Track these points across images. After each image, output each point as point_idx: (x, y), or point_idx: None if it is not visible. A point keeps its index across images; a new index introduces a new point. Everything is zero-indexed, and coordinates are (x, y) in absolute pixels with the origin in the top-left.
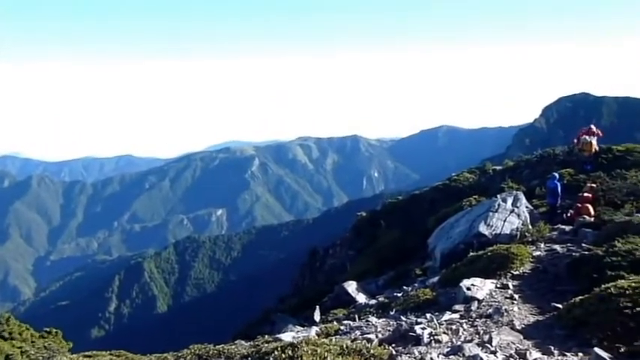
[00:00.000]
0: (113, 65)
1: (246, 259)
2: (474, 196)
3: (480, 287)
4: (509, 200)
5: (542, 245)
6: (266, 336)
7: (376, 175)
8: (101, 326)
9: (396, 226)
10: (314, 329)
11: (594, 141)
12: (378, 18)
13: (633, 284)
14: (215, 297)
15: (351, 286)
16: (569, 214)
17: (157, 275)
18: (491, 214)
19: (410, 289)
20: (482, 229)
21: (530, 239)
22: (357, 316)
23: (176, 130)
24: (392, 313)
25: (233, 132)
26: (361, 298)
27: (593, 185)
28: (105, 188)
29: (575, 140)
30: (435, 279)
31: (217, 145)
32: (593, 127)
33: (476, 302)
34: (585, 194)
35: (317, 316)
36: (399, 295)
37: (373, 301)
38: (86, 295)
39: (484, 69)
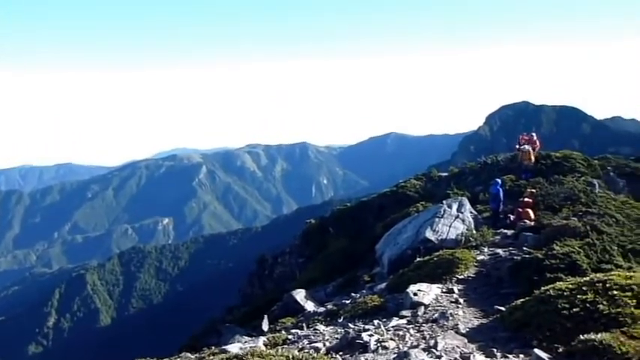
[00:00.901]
0: (52, 72)
1: (193, 269)
2: (421, 203)
3: (427, 292)
4: (455, 206)
5: (485, 249)
6: (212, 347)
7: (325, 182)
8: (39, 342)
9: (345, 233)
10: (262, 339)
11: (533, 150)
12: (325, 25)
13: (570, 286)
14: (162, 308)
15: (299, 294)
16: (510, 219)
17: (100, 287)
18: (437, 219)
19: (358, 295)
20: (429, 234)
21: (474, 244)
22: (305, 325)
23: (120, 137)
24: (340, 320)
25: (180, 139)
26: (310, 306)
27: (533, 191)
28: (44, 198)
29: (517, 146)
30: (383, 285)
31: (164, 152)
32: (534, 135)
33: (422, 307)
34: (526, 199)
35: (265, 326)
36: (348, 302)
37: (322, 309)
38: (23, 309)
39: (431, 77)
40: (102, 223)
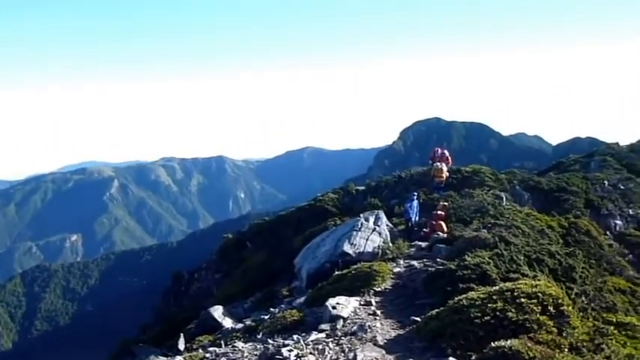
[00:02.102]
0: None
1: (104, 287)
2: (339, 216)
3: (345, 305)
4: (371, 219)
5: (401, 262)
6: None
7: (242, 196)
8: None
9: (263, 247)
10: (178, 359)
11: (445, 167)
12: (238, 39)
13: (482, 295)
14: (70, 330)
15: (217, 311)
16: (424, 231)
17: (0, 310)
18: (354, 233)
19: (277, 310)
20: (347, 248)
21: (390, 256)
22: (223, 342)
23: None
24: (259, 336)
25: (89, 153)
26: (228, 323)
27: (446, 204)
28: None
29: (430, 161)
30: (302, 299)
31: (71, 166)
32: (446, 152)
33: (341, 320)
34: (439, 212)
35: (181, 345)
36: (266, 317)
37: (240, 325)
38: None
39: (346, 91)
40: (2, 241)
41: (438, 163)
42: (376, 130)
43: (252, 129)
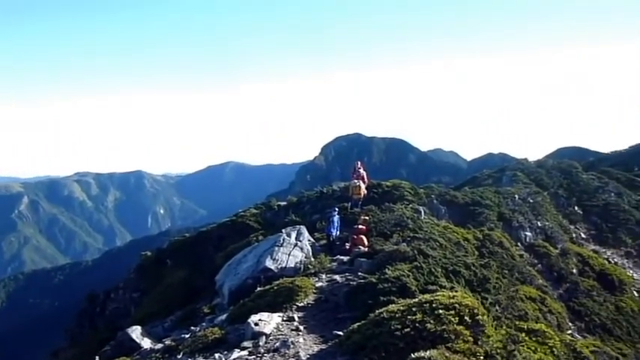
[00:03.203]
0: None
1: (13, 310)
2: (261, 232)
3: (268, 322)
4: (293, 234)
5: (323, 276)
6: None
7: (162, 211)
8: None
9: (184, 265)
10: None
11: (362, 184)
12: (157, 57)
13: (402, 308)
14: None
15: (135, 332)
16: (346, 246)
17: None
18: (276, 248)
19: (198, 329)
20: (269, 263)
21: (312, 271)
22: None
23: None
24: (179, 356)
25: None
26: (146, 343)
27: (366, 218)
28: None
29: (355, 175)
30: (224, 316)
31: None
32: (362, 170)
33: (264, 337)
34: (360, 226)
35: None
36: (187, 336)
37: (159, 346)
38: None
39: (267, 106)
40: None
41: (355, 181)
42: (298, 145)
43: (173, 143)
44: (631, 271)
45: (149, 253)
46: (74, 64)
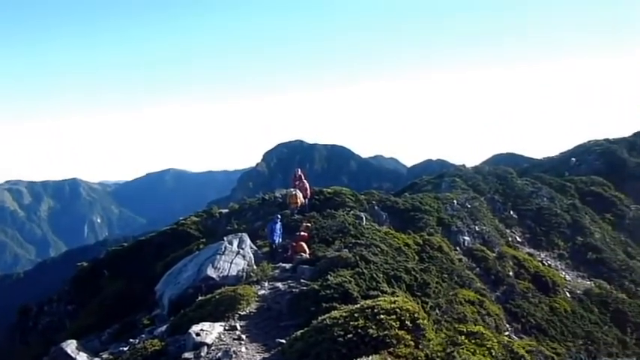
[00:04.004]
0: None
1: None
2: (202, 240)
3: (209, 331)
4: (235, 242)
5: (266, 284)
6: None
7: (99, 220)
8: None
9: (122, 275)
10: None
11: (299, 193)
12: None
13: (344, 314)
14: None
15: (70, 346)
16: (286, 253)
17: None
18: (218, 256)
19: (137, 341)
20: (210, 272)
21: (255, 279)
22: None
23: None
24: None
25: None
26: (82, 358)
27: (309, 224)
28: None
29: (297, 182)
30: (164, 327)
31: None
32: (304, 180)
33: (205, 347)
34: (302, 233)
35: None
36: (126, 349)
37: None
38: None
39: (207, 113)
40: None
41: (292, 190)
42: (239, 152)
43: (110, 151)
44: (563, 273)
45: (85, 264)
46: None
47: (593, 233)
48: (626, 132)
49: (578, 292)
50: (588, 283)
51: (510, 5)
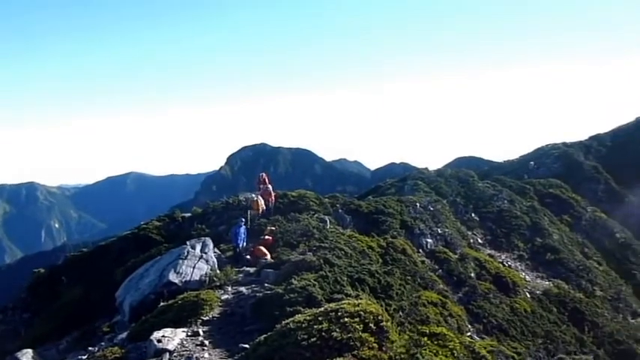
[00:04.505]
0: None
1: None
2: (164, 244)
3: (171, 338)
4: (198, 247)
5: (229, 288)
6: None
7: (57, 226)
8: None
9: (81, 281)
10: None
11: (261, 199)
12: (55, 67)
13: (308, 317)
14: None
15: (26, 355)
16: (248, 258)
17: None
18: (180, 261)
19: (96, 349)
20: (172, 277)
21: (218, 283)
22: None
23: None
24: None
25: None
26: None
27: (273, 228)
28: None
29: (262, 186)
30: (124, 334)
31: None
32: (269, 185)
33: (167, 354)
34: (266, 237)
35: None
36: (84, 357)
37: None
38: None
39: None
40: None
41: (254, 195)
42: (203, 155)
43: (68, 154)
44: (523, 274)
45: (42, 270)
46: None
47: (552, 234)
48: (582, 136)
49: (538, 292)
50: (547, 283)
51: (473, 11)
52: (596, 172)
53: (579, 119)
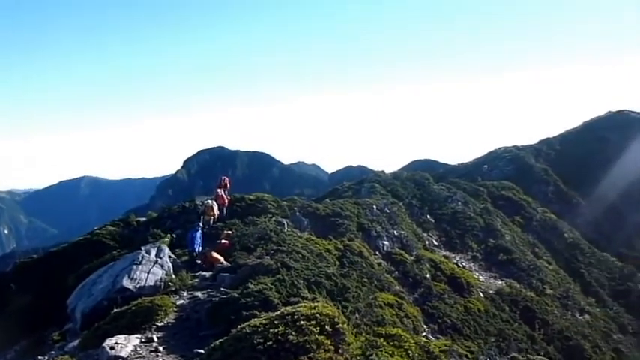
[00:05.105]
0: None
1: None
2: (118, 250)
3: (125, 344)
4: (153, 251)
5: (185, 293)
6: None
7: (6, 231)
8: None
9: (31, 289)
10: None
11: (215, 206)
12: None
13: (264, 321)
14: None
15: None
16: (201, 262)
17: None
18: (135, 266)
19: (46, 357)
20: (126, 282)
21: (173, 288)
22: None
23: None
24: None
25: None
26: None
27: (230, 232)
28: None
29: (218, 190)
30: (76, 342)
31: None
32: (220, 190)
33: None
34: (223, 241)
35: None
36: None
37: None
38: None
39: (125, 121)
40: None
41: (209, 201)
42: (159, 158)
43: (19, 157)
44: (477, 274)
45: None
46: None
47: (504, 235)
48: (532, 139)
49: (491, 291)
50: (500, 282)
51: (433, 20)
52: (545, 175)
53: (531, 123)
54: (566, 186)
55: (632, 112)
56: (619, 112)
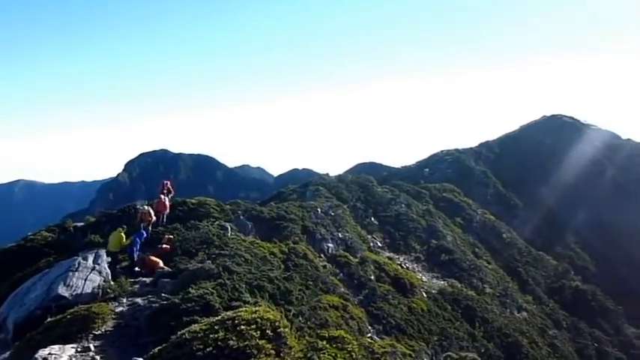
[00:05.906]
0: None
1: None
2: (54, 256)
3: (59, 355)
4: (90, 258)
5: (124, 300)
6: None
7: None
8: None
9: None
10: None
11: (151, 211)
12: None
13: (204, 327)
14: None
15: None
16: (139, 269)
17: None
18: (71, 274)
19: None
20: (62, 290)
21: (112, 295)
22: None
23: None
24: None
25: None
26: None
27: (171, 237)
28: None
29: (161, 195)
30: (7, 354)
31: None
32: (162, 196)
33: None
34: (164, 245)
35: None
36: None
37: None
38: None
39: (62, 121)
40: None
41: (146, 207)
42: (99, 161)
43: None
44: (420, 274)
45: None
46: None
47: (446, 236)
48: (472, 142)
49: (434, 291)
50: (442, 282)
51: (386, 23)
52: (485, 177)
53: (471, 126)
54: (504, 188)
55: (565, 116)
56: (553, 116)
